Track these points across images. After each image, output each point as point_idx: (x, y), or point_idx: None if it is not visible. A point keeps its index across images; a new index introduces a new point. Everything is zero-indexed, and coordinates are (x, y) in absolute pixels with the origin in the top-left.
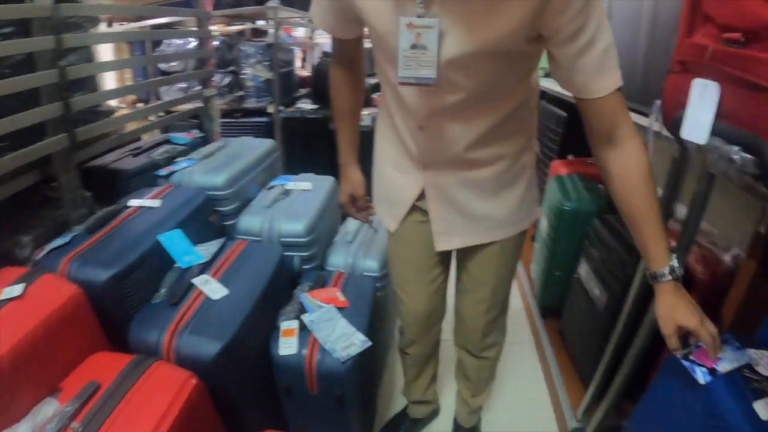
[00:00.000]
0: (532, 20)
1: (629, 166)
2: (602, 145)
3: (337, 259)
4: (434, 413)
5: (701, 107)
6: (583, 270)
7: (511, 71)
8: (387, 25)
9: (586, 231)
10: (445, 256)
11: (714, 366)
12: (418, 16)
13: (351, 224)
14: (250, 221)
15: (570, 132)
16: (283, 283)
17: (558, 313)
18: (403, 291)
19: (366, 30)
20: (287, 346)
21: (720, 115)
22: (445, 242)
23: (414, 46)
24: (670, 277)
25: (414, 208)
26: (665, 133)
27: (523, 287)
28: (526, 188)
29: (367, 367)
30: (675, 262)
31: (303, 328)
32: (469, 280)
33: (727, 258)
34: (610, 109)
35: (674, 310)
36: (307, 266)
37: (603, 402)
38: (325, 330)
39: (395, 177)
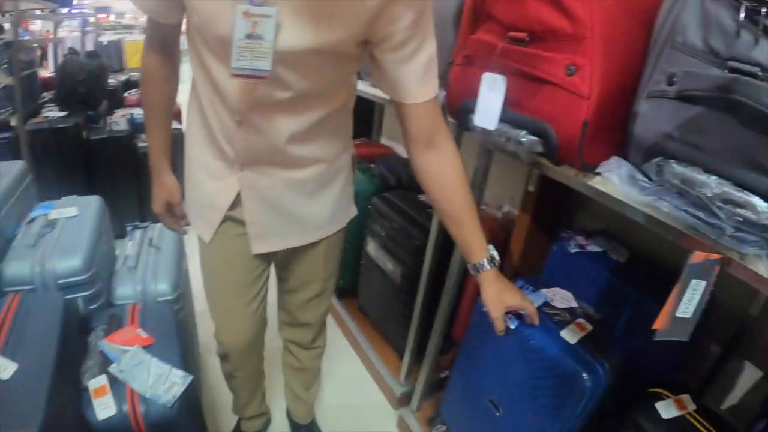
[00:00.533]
0: (366, 25)
1: (447, 168)
2: (420, 149)
3: (125, 290)
4: (268, 422)
5: (491, 98)
6: (371, 248)
7: (337, 72)
8: (214, 9)
9: (367, 210)
10: (264, 268)
11: (520, 311)
12: (256, 4)
13: (128, 247)
14: (16, 267)
15: None
16: (74, 335)
17: (353, 292)
18: (222, 317)
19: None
20: (104, 407)
21: (508, 103)
22: (262, 245)
23: (249, 36)
24: (490, 267)
25: (229, 219)
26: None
27: None
28: (343, 187)
29: (194, 400)
30: (493, 252)
31: (114, 381)
32: (297, 281)
33: (499, 215)
34: (429, 114)
35: (501, 295)
36: (94, 306)
37: (424, 363)
38: (139, 377)
39: (207, 182)
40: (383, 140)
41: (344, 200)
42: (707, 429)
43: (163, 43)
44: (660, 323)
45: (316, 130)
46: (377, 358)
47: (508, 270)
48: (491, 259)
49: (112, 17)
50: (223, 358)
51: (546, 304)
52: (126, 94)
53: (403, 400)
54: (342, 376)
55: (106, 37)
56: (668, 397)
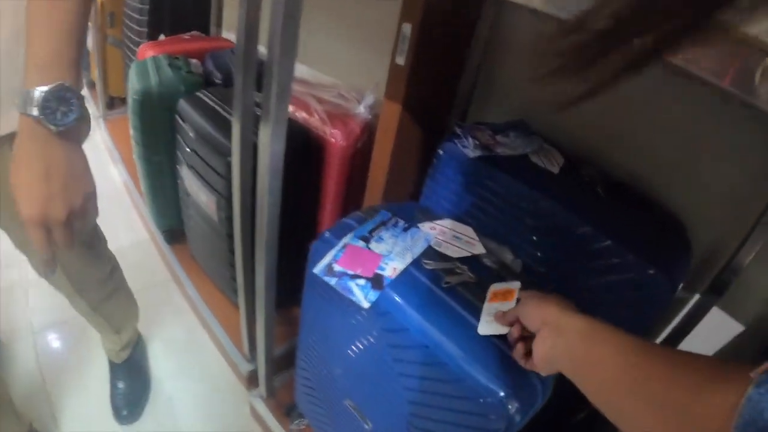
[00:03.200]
0: None
1: None
2: None
3: None
4: None
5: None
6: (183, 171)
7: None
8: None
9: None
10: None
11: (375, 270)
12: None
13: None
14: None
15: (159, 8)
16: None
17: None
18: None
19: None
20: None
21: None
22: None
23: None
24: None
25: None
26: None
27: (142, 213)
28: None
29: None
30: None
31: None
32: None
33: (361, 111)
34: None
35: None
36: None
37: (257, 331)
38: None
39: None
40: (225, 34)
41: None
42: None
43: None
44: None
45: None
46: (217, 323)
47: (374, 192)
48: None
49: None
50: None
51: (429, 251)
52: None
53: (253, 380)
54: (182, 348)
55: None
56: None
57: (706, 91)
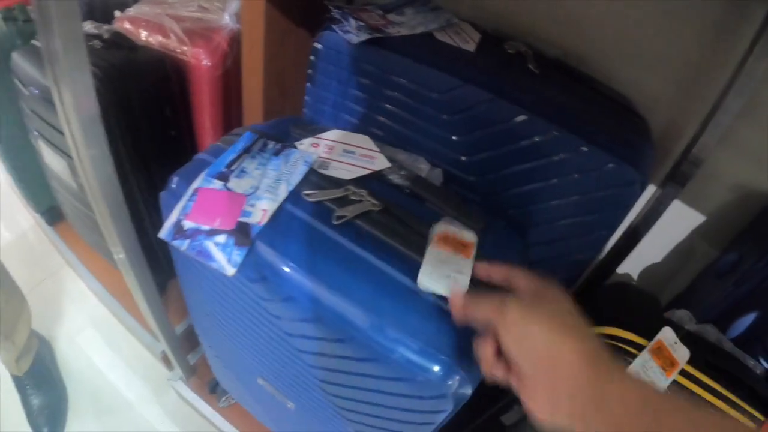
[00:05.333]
0: None
1: None
2: None
3: None
4: None
5: None
6: (33, 138)
7: None
8: None
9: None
10: None
11: (239, 218)
12: None
13: None
14: None
15: None
16: None
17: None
18: None
19: None
20: None
21: None
22: None
23: None
24: None
25: None
26: None
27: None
28: None
29: None
30: None
31: None
32: None
33: (227, 20)
34: None
35: None
36: None
37: (145, 299)
38: None
39: None
40: None
41: None
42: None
43: None
44: None
45: None
46: (118, 305)
47: (252, 116)
48: None
49: None
50: None
51: (311, 177)
52: None
53: (169, 361)
54: (94, 340)
55: None
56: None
57: None
